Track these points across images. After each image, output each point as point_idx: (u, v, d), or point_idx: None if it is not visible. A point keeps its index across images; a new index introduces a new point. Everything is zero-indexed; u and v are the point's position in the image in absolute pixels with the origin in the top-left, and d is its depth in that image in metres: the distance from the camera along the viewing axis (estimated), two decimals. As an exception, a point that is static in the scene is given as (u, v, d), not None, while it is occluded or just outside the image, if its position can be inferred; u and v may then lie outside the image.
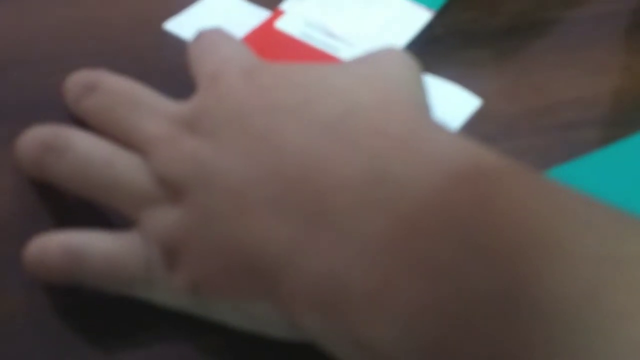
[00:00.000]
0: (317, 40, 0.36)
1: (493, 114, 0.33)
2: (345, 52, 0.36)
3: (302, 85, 0.26)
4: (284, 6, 0.38)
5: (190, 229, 0.24)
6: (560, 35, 0.37)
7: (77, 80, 0.29)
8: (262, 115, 0.25)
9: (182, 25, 0.37)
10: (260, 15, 0.38)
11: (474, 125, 0.33)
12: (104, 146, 0.27)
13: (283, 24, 0.37)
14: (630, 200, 0.29)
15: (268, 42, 0.36)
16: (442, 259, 0.21)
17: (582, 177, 0.30)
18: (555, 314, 0.19)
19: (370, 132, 0.24)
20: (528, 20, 0.38)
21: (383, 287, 0.21)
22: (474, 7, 0.39)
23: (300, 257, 0.22)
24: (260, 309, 0.23)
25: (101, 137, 0.27)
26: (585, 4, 0.39)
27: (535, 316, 0.19)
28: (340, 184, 0.23)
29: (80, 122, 0.29)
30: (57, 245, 0.25)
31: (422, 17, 0.38)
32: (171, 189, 0.25)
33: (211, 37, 0.31)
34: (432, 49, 0.36)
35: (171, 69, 0.34)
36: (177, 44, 0.36)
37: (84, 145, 0.27)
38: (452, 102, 0.34)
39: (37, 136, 0.27)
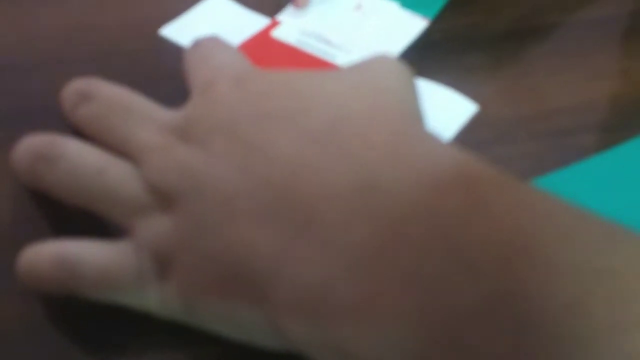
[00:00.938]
0: (313, 47, 0.36)
1: (489, 119, 0.33)
2: (342, 58, 0.36)
3: (294, 93, 0.26)
4: (280, 17, 0.38)
5: (181, 238, 0.24)
6: (557, 41, 0.37)
7: (73, 88, 0.29)
8: (253, 123, 0.25)
9: (178, 31, 0.37)
10: (256, 21, 0.38)
11: (470, 131, 0.33)
12: (97, 155, 0.27)
13: (279, 33, 0.37)
14: (626, 207, 0.29)
15: (264, 50, 0.36)
16: (428, 270, 0.20)
17: (578, 183, 0.30)
18: (539, 325, 0.19)
19: (358, 141, 0.24)
20: (525, 25, 0.38)
21: (368, 298, 0.21)
22: (470, 13, 0.38)
23: (288, 266, 0.22)
24: (248, 318, 0.23)
25: (96, 145, 0.27)
26: (581, 9, 0.39)
27: (519, 327, 0.19)
28: (328, 193, 0.23)
29: (76, 130, 0.29)
30: (49, 254, 0.25)
31: (417, 25, 0.38)
32: (163, 198, 0.25)
33: (207, 45, 0.31)
34: (429, 54, 0.36)
35: (167, 74, 0.34)
36: (172, 50, 0.36)
37: (76, 153, 0.27)
38: (448, 108, 0.34)
39: (30, 145, 0.27)
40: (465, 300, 0.20)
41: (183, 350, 0.25)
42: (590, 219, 0.21)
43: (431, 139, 0.24)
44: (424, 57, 0.35)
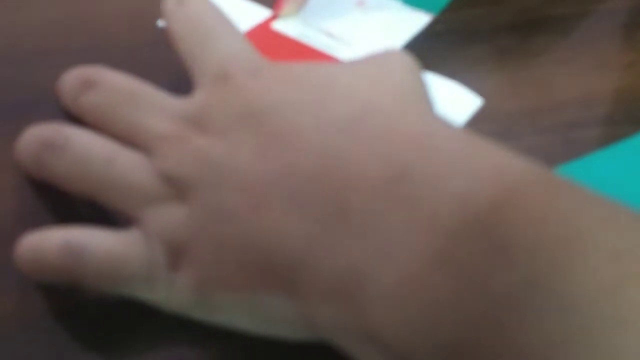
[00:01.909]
0: (314, 40, 0.36)
1: (494, 112, 0.33)
2: (343, 51, 0.35)
3: (312, 84, 0.26)
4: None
5: (198, 227, 0.24)
6: (563, 33, 0.37)
7: (74, 76, 0.29)
8: (274, 112, 0.25)
9: (178, 24, 0.36)
10: (256, 12, 0.37)
11: (474, 124, 0.32)
12: (104, 144, 0.26)
13: (280, 25, 0.37)
14: (633, 200, 0.29)
15: (265, 42, 0.36)
16: (463, 254, 0.20)
17: (585, 177, 0.29)
18: (576, 308, 0.19)
19: (387, 131, 0.24)
20: (530, 17, 0.38)
21: (401, 282, 0.21)
22: (475, 4, 0.38)
23: (319, 252, 0.22)
24: (273, 307, 0.23)
25: (101, 135, 0.27)
26: (587, 1, 0.39)
27: (555, 310, 0.19)
28: (359, 182, 0.23)
29: (76, 120, 0.28)
30: (55, 241, 0.24)
31: (421, 19, 0.37)
32: (177, 187, 0.25)
33: (196, 12, 0.30)
34: (433, 46, 0.36)
35: (164, 66, 0.34)
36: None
37: (83, 143, 0.26)
38: (453, 101, 0.33)
39: (36, 134, 0.27)
40: (501, 284, 0.20)
41: (184, 348, 0.25)
42: (619, 206, 0.21)
43: (454, 129, 0.24)
44: (427, 49, 0.35)
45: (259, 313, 0.23)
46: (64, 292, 0.25)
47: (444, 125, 0.25)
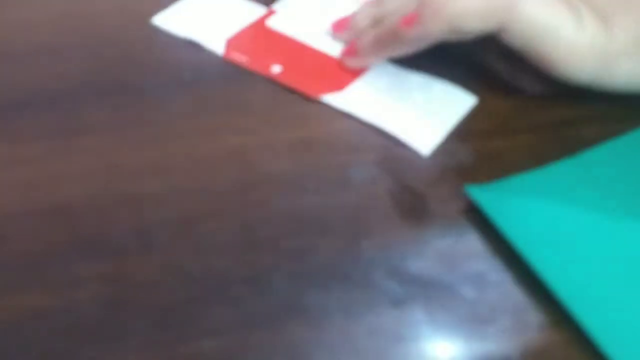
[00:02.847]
0: (308, 37, 0.36)
1: (488, 110, 0.33)
2: (337, 49, 0.35)
3: None
4: (276, 6, 0.38)
5: None
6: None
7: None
8: None
9: (170, 20, 0.36)
10: (250, 10, 0.37)
11: (469, 122, 0.32)
12: None
13: (274, 23, 0.37)
14: (627, 198, 0.29)
15: (260, 40, 0.36)
16: None
17: (578, 175, 0.29)
18: None
19: None
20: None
21: None
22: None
23: None
24: None
25: None
26: None
27: None
28: None
29: (76, 119, 0.28)
30: None
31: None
32: None
33: None
34: (429, 46, 0.36)
35: (159, 63, 0.34)
36: (165, 38, 0.35)
37: None
38: (448, 101, 0.33)
39: None
40: None
41: (183, 346, 0.25)
42: None
43: None
44: (422, 49, 0.35)
45: None
46: (63, 293, 0.25)
47: None
